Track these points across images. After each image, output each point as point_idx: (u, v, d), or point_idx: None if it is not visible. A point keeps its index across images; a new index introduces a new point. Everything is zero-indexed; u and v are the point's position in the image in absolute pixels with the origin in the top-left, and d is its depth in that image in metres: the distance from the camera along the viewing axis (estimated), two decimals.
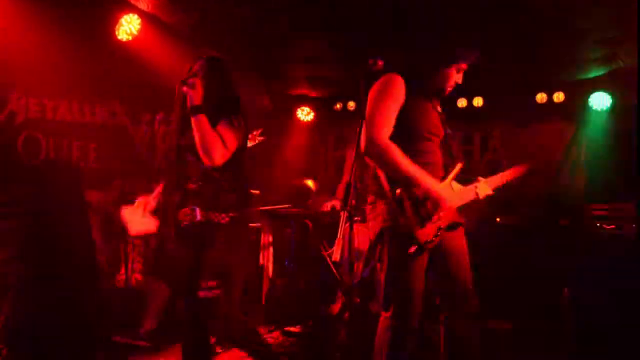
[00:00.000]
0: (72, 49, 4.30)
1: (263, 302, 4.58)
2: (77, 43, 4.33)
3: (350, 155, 4.82)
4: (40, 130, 4.27)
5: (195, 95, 2.68)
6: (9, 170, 4.03)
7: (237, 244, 2.84)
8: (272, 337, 4.79)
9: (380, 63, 2.79)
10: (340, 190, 4.88)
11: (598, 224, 5.24)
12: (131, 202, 3.38)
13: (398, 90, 2.71)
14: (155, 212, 3.05)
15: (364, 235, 4.43)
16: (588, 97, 5.87)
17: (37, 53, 4.09)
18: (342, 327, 4.16)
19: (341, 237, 2.43)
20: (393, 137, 2.66)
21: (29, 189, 4.08)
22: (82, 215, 4.41)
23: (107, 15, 4.52)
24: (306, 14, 4.61)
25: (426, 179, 2.62)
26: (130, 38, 4.60)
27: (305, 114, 7.25)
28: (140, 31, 4.62)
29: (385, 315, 2.79)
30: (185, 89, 2.68)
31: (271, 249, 4.36)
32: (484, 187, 2.90)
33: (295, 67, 6.02)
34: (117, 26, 4.56)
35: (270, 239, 4.36)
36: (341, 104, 7.00)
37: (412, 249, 2.62)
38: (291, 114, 7.21)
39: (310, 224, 4.44)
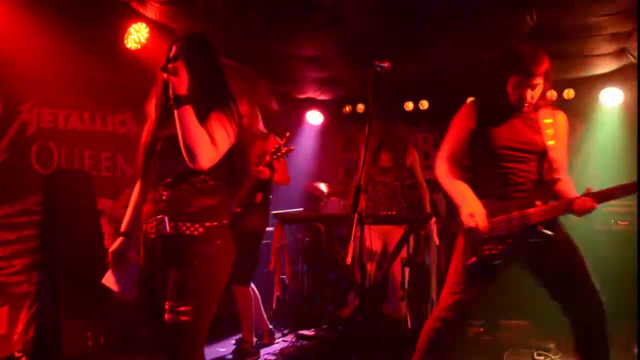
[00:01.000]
0: (82, 58, 4.34)
1: (274, 306, 4.59)
2: (87, 53, 4.37)
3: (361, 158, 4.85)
4: (52, 140, 4.31)
5: (179, 83, 2.18)
6: (23, 179, 4.07)
7: (213, 260, 2.30)
8: (286, 340, 4.80)
9: (387, 64, 2.80)
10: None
11: (612, 221, 5.21)
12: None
13: (465, 117, 2.90)
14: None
15: (376, 238, 4.44)
16: (598, 93, 5.83)
17: (48, 64, 4.13)
18: (355, 330, 4.16)
19: (353, 240, 2.43)
20: (479, 160, 2.89)
21: (42, 198, 4.13)
22: (94, 223, 4.45)
23: (116, 25, 4.56)
24: (314, 16, 4.62)
25: (459, 199, 2.76)
26: (139, 47, 4.62)
27: (314, 117, 7.26)
28: (149, 39, 4.64)
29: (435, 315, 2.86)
30: (165, 76, 2.20)
31: (284, 253, 4.36)
32: (583, 203, 2.72)
33: (303, 70, 6.03)
34: (126, 35, 4.59)
35: (282, 242, 4.35)
36: (350, 107, 7.01)
37: (471, 261, 2.69)
38: (300, 117, 7.22)
39: (322, 228, 4.44)
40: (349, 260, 2.40)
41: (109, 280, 2.48)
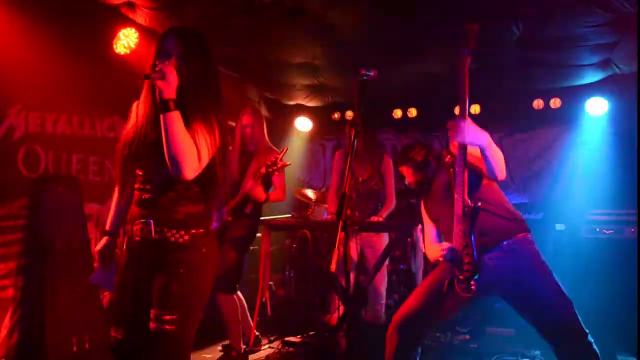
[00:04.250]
0: (71, 63, 4.33)
1: (268, 312, 4.60)
2: (76, 57, 4.37)
3: (338, 164, 4.86)
4: (39, 144, 4.29)
5: (166, 86, 2.06)
6: (9, 184, 4.05)
7: (199, 268, 2.24)
8: (272, 346, 4.80)
9: (374, 72, 2.83)
10: (331, 201, 4.89)
11: (597, 229, 5.25)
12: None
13: None
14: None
15: (353, 244, 4.46)
16: (584, 102, 5.90)
17: (36, 67, 4.12)
18: (341, 337, 4.16)
19: (337, 247, 2.45)
20: None
21: (29, 202, 4.11)
22: (81, 228, 4.42)
23: (105, 30, 4.56)
24: (301, 24, 4.64)
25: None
26: (128, 52, 4.64)
27: (303, 124, 7.27)
28: (138, 45, 4.65)
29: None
30: (152, 80, 2.08)
31: (269, 260, 4.37)
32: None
33: (292, 76, 6.05)
34: (115, 40, 4.60)
35: (269, 249, 4.36)
36: (339, 114, 7.03)
37: (467, 295, 2.69)
38: (289, 123, 7.24)
39: (309, 234, 4.45)
40: (333, 266, 2.42)
41: (96, 279, 2.49)
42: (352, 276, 4.36)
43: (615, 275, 4.74)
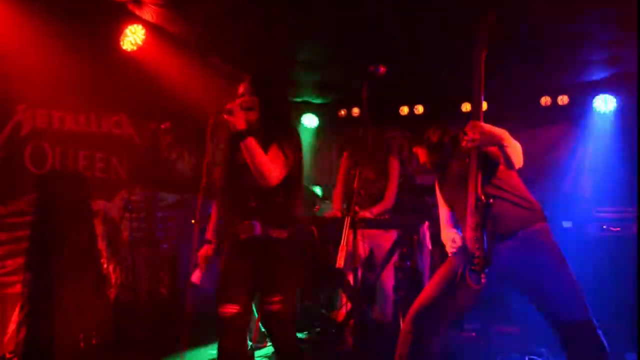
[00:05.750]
0: (78, 59, 4.34)
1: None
2: (83, 54, 4.37)
3: (345, 162, 4.85)
4: (46, 141, 4.30)
5: (236, 120, 2.63)
6: (16, 180, 4.06)
7: (294, 259, 2.86)
8: None
9: (382, 69, 2.82)
10: (337, 198, 4.87)
11: (604, 226, 5.23)
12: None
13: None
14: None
15: (361, 241, 4.44)
16: (592, 99, 5.86)
17: (43, 64, 4.13)
18: (348, 334, 4.16)
19: (344, 243, 2.44)
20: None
21: (36, 199, 4.12)
22: (88, 224, 4.44)
23: (112, 26, 4.56)
24: (308, 21, 4.63)
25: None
26: (135, 48, 4.64)
27: (309, 121, 7.26)
28: (144, 41, 4.66)
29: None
30: (225, 117, 2.64)
31: None
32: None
33: (298, 73, 6.04)
34: (122, 37, 4.60)
35: None
36: (345, 111, 7.02)
37: (479, 286, 2.66)
38: (295, 120, 7.22)
39: (315, 231, 4.44)
40: (340, 263, 2.41)
41: (196, 278, 2.95)
42: (359, 272, 4.34)
43: (622, 273, 4.71)
